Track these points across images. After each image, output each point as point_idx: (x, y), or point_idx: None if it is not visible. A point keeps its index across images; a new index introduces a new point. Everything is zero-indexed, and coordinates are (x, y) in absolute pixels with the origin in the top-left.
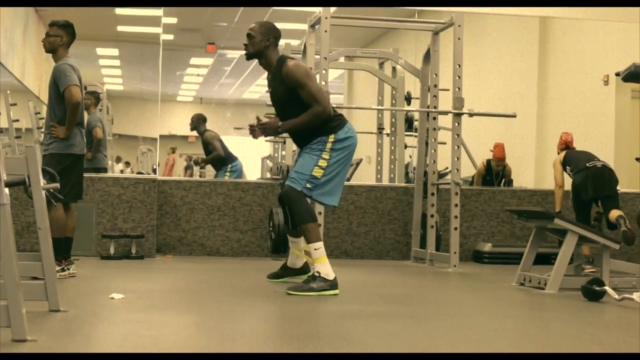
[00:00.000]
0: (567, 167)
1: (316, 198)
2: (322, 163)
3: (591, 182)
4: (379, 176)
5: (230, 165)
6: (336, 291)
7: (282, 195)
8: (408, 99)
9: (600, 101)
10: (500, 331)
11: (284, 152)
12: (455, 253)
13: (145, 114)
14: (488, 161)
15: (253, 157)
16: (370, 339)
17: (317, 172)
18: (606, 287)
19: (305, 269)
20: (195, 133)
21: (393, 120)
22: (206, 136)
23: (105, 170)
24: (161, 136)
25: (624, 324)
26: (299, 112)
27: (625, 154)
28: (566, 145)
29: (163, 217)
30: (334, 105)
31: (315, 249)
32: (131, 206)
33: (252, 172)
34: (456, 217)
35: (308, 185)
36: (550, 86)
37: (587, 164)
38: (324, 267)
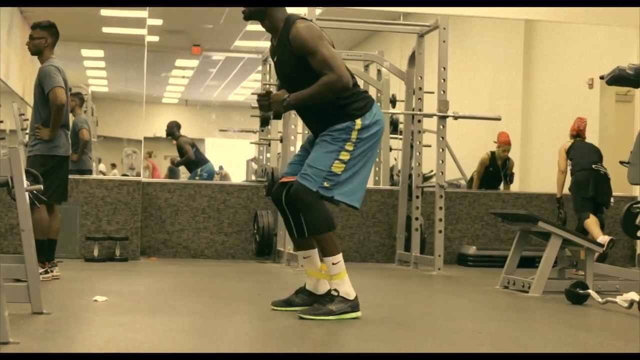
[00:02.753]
0: (570, 159)
1: (339, 198)
2: (344, 156)
3: (593, 184)
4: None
5: (200, 169)
6: (358, 313)
7: (292, 196)
8: (393, 101)
9: (584, 104)
10: (484, 334)
11: (268, 155)
12: (439, 256)
13: (130, 116)
14: (492, 153)
15: (238, 159)
16: (354, 340)
17: (337, 167)
18: (590, 291)
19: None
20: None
21: None
22: (180, 141)
23: (90, 172)
24: (146, 138)
25: (607, 328)
26: None
27: (609, 157)
28: (577, 133)
29: (147, 220)
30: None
31: (333, 263)
32: (115, 208)
33: (237, 174)
34: (441, 220)
35: (326, 184)
36: (535, 89)
37: (593, 166)
38: (344, 285)
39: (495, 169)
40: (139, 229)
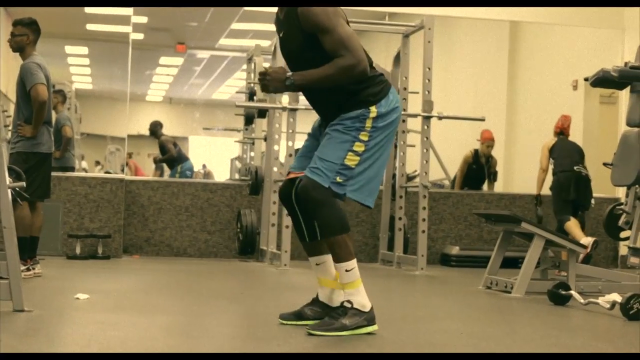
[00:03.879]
0: (552, 158)
1: (351, 196)
2: (359, 147)
3: (574, 186)
4: None
5: (180, 166)
6: (375, 327)
7: (301, 194)
8: None
9: (569, 106)
10: (466, 334)
11: (252, 153)
12: (422, 256)
13: (113, 114)
14: (475, 151)
15: (222, 158)
16: (336, 340)
17: (351, 160)
18: (572, 292)
19: None
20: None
21: None
22: (162, 140)
23: (72, 169)
24: (130, 136)
25: (589, 329)
26: None
27: (593, 158)
28: (561, 131)
29: (130, 217)
30: (305, 106)
31: (346, 270)
32: (98, 206)
33: (221, 173)
34: (424, 220)
35: (339, 179)
36: (520, 90)
37: (575, 168)
38: (358, 295)
39: (479, 167)
40: (121, 226)
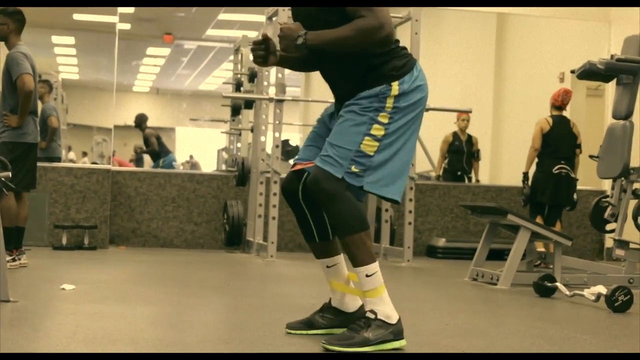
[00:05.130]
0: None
1: (369, 189)
2: (378, 131)
3: (550, 189)
4: None
5: (162, 159)
6: (403, 342)
7: (311, 187)
8: None
9: None
10: (451, 326)
11: (239, 144)
12: (409, 248)
13: (100, 104)
14: (454, 133)
15: (209, 149)
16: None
17: (369, 146)
18: (557, 284)
19: (362, 314)
20: (149, 124)
21: None
22: (146, 133)
23: (59, 159)
24: (116, 127)
25: (574, 320)
26: None
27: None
28: (560, 106)
29: (116, 208)
30: (291, 98)
31: (367, 275)
32: (84, 196)
33: (208, 164)
34: (410, 211)
35: (354, 169)
36: (507, 82)
37: (554, 170)
38: (382, 304)
39: (460, 143)
40: (108, 217)
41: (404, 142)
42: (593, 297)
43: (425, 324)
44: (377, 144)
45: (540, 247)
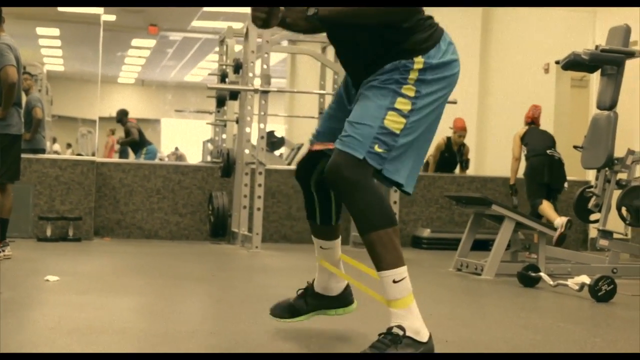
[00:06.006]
0: (525, 146)
1: (388, 174)
2: (403, 105)
3: (548, 169)
4: None
5: (145, 149)
6: None
7: (331, 176)
8: None
9: (540, 89)
10: (435, 316)
11: (224, 136)
12: None
13: (85, 96)
14: (448, 139)
15: (194, 140)
16: (307, 322)
17: (395, 122)
18: (541, 274)
19: (346, 297)
20: (134, 116)
21: None
22: (127, 126)
23: (43, 151)
24: (101, 118)
25: (558, 310)
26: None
27: (564, 141)
28: (532, 121)
29: (101, 200)
30: (276, 89)
31: (394, 281)
32: (69, 188)
33: (194, 155)
34: (395, 202)
35: (377, 148)
36: (492, 73)
37: (547, 152)
38: (411, 318)
39: (451, 154)
40: (92, 209)
41: (428, 124)
42: (577, 287)
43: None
44: (403, 120)
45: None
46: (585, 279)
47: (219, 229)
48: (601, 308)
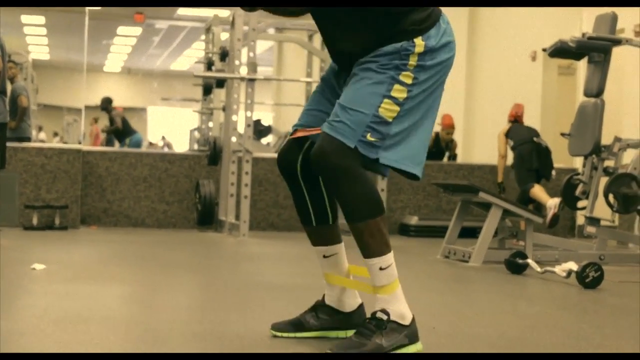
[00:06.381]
0: (511, 140)
1: (386, 162)
2: (399, 93)
3: (536, 155)
4: None
5: (129, 139)
6: (419, 346)
7: (317, 161)
8: None
9: (527, 77)
10: (423, 303)
11: (211, 124)
12: None
13: (70, 84)
14: (436, 134)
15: (181, 129)
16: (294, 309)
17: (388, 111)
18: (529, 260)
19: (361, 317)
20: (120, 105)
21: None
22: (112, 114)
23: (29, 139)
24: (87, 107)
25: (545, 297)
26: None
27: (551, 129)
28: (515, 119)
29: (88, 188)
30: (264, 77)
31: (381, 268)
32: (55, 176)
33: (181, 144)
34: (383, 190)
35: (370, 137)
36: (479, 61)
37: (534, 139)
38: (396, 302)
39: (438, 150)
40: (79, 197)
41: (427, 108)
42: (564, 274)
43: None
44: (397, 108)
45: (522, 227)
46: (573, 265)
47: (206, 217)
48: (588, 295)
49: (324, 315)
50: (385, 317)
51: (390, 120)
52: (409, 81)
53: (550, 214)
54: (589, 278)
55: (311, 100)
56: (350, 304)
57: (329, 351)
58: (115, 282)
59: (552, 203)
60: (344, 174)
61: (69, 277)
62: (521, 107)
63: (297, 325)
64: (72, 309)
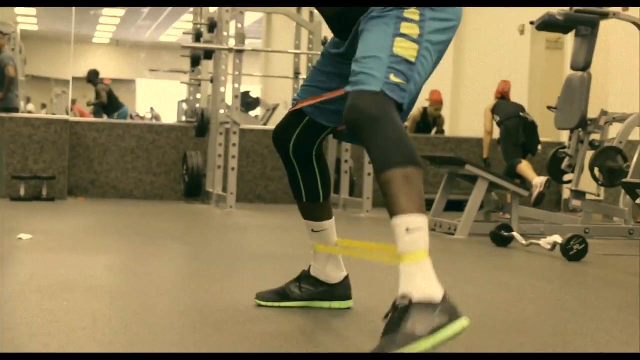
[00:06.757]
0: (497, 116)
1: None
2: (410, 29)
3: (523, 130)
4: None
5: (117, 113)
6: (464, 321)
7: (349, 117)
8: (325, 43)
9: (515, 51)
10: None
11: (199, 95)
12: (368, 199)
13: (59, 56)
14: (424, 109)
15: (170, 101)
16: (280, 278)
17: (406, 49)
18: (514, 233)
19: (345, 289)
20: (108, 76)
21: (310, 65)
22: (98, 87)
23: (16, 110)
24: (76, 78)
25: (530, 269)
26: None
27: (538, 103)
28: (502, 96)
29: (75, 159)
30: (252, 48)
31: (407, 229)
32: (42, 147)
33: (169, 116)
34: (370, 162)
35: (394, 78)
36: (467, 35)
37: (520, 114)
38: (421, 276)
39: (426, 125)
40: (66, 168)
41: (441, 50)
42: (549, 246)
43: (381, 273)
44: (415, 46)
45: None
46: (558, 238)
47: (194, 188)
48: (573, 267)
49: (308, 285)
50: (406, 303)
51: (414, 60)
52: (416, 17)
53: (536, 192)
54: (574, 251)
55: (310, 76)
56: (334, 276)
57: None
58: (102, 252)
59: (539, 181)
60: (376, 120)
61: (55, 247)
62: (508, 84)
63: (281, 294)
64: (57, 277)
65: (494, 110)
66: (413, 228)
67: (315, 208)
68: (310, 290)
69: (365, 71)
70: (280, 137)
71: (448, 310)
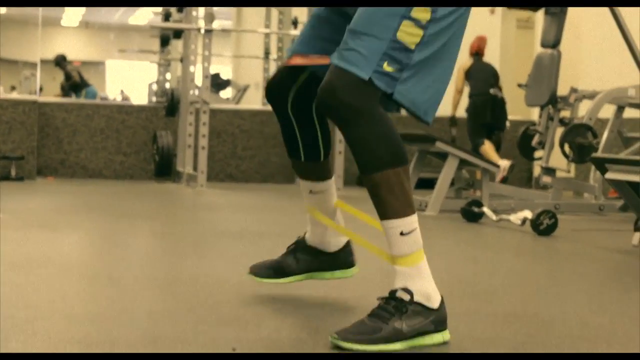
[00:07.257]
0: (468, 81)
1: (400, 98)
2: (421, 13)
3: (490, 109)
4: (265, 101)
5: (85, 90)
6: (446, 335)
7: (324, 99)
8: (295, 23)
9: (486, 30)
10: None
11: (168, 75)
12: (339, 177)
13: (27, 38)
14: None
15: (140, 83)
16: (249, 258)
17: (409, 35)
18: (484, 209)
19: (346, 256)
20: (78, 59)
21: (280, 45)
22: (68, 69)
23: None
24: (44, 61)
25: (500, 244)
26: None
27: (509, 81)
28: (477, 52)
29: (44, 139)
30: (221, 28)
31: (402, 233)
32: (10, 127)
33: (139, 98)
34: (341, 141)
35: (387, 67)
36: None
37: (490, 91)
38: (420, 279)
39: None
40: (35, 148)
41: (447, 38)
42: (519, 222)
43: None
44: (420, 32)
45: (479, 176)
46: (528, 213)
47: (164, 168)
48: (542, 241)
49: (306, 256)
50: (407, 298)
51: (413, 47)
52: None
53: (499, 176)
54: (543, 225)
55: (308, 25)
56: (334, 243)
57: (333, 337)
58: (72, 230)
59: (502, 166)
60: (357, 113)
61: (25, 225)
62: (484, 39)
63: (277, 270)
64: (27, 254)
65: (467, 74)
66: (407, 231)
67: (314, 166)
68: (309, 260)
69: (358, 49)
70: (275, 97)
71: (439, 319)
